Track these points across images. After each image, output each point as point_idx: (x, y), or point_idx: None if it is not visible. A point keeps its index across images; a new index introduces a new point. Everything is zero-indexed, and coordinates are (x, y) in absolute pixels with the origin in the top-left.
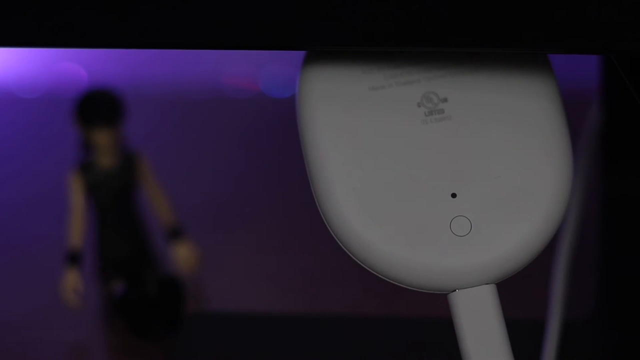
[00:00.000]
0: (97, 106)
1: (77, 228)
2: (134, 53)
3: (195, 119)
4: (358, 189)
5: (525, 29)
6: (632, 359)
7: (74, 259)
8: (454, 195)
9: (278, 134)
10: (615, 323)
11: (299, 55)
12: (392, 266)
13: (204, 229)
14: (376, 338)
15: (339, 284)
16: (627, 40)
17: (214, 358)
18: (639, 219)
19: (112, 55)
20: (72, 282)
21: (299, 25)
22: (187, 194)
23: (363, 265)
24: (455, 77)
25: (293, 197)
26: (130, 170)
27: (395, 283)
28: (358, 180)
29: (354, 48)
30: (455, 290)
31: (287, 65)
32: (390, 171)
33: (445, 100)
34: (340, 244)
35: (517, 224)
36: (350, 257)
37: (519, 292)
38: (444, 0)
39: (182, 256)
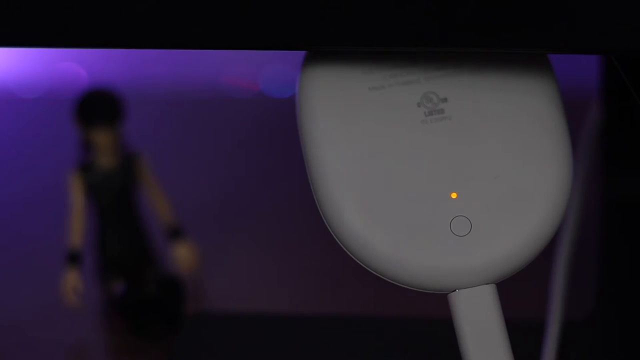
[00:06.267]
0: (97, 106)
1: (77, 228)
2: (134, 53)
3: (195, 119)
4: (358, 189)
5: (525, 29)
6: (632, 359)
7: (74, 259)
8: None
9: (278, 134)
10: (615, 323)
11: (299, 55)
12: (392, 266)
13: (204, 229)
14: (376, 338)
15: (339, 284)
16: (627, 40)
17: (214, 358)
18: (639, 219)
19: (112, 55)
20: (72, 282)
21: (299, 25)
22: (187, 194)
23: (363, 265)
24: (455, 77)
25: (293, 197)
26: (130, 170)
27: (395, 283)
28: (358, 180)
29: (354, 48)
30: (455, 290)
31: (287, 65)
32: (390, 171)
33: (445, 100)
34: (340, 244)
35: (517, 224)
36: (350, 257)
37: (519, 292)
38: (444, 1)
39: (182, 256)
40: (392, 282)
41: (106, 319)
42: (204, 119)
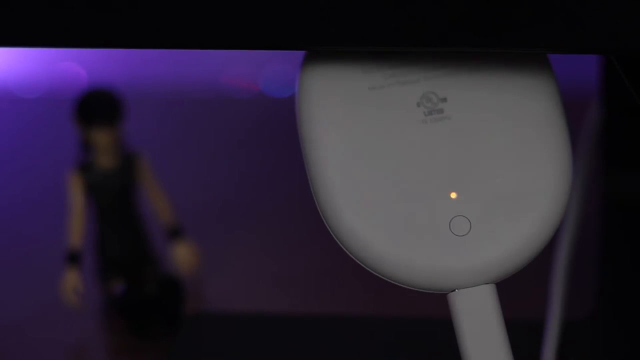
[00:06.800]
0: (97, 106)
1: (77, 228)
2: (134, 53)
3: (195, 119)
4: (357, 189)
5: (525, 29)
6: (632, 359)
7: (74, 259)
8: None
9: (278, 134)
10: (615, 323)
11: (299, 55)
12: (391, 266)
13: (204, 228)
14: (376, 338)
15: (339, 284)
16: (627, 40)
17: (214, 358)
18: (638, 218)
19: (112, 55)
20: (72, 282)
21: (299, 25)
22: (187, 194)
23: (363, 265)
24: (455, 77)
25: (293, 197)
26: (130, 170)
27: (395, 283)
28: (357, 180)
29: (354, 48)
30: (454, 290)
31: (287, 65)
32: (389, 171)
33: (444, 100)
34: (340, 244)
35: (517, 224)
36: (350, 257)
37: (518, 292)
38: (444, 0)
39: (181, 256)
40: (391, 282)
41: (106, 319)
42: (204, 119)
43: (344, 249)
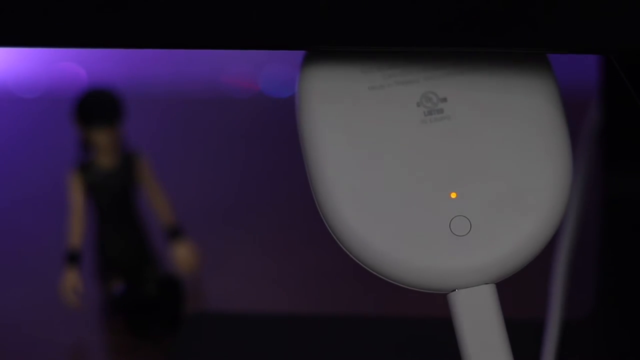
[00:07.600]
0: (97, 106)
1: (76, 228)
2: (134, 53)
3: (195, 119)
4: (357, 189)
5: (525, 29)
6: (632, 359)
7: (73, 258)
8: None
9: (278, 134)
10: (615, 323)
11: (298, 55)
12: (391, 266)
13: (204, 228)
14: (376, 338)
15: (339, 284)
16: (627, 40)
17: (214, 358)
18: (638, 219)
19: (112, 55)
20: (72, 281)
21: (299, 25)
22: (187, 194)
23: (363, 265)
24: (455, 76)
25: (293, 197)
26: (130, 170)
27: (395, 283)
28: (357, 180)
29: (354, 48)
30: (455, 290)
31: (287, 65)
32: (389, 171)
33: (444, 100)
34: (340, 244)
35: (517, 224)
36: (350, 257)
37: (518, 292)
38: (444, 0)
39: (181, 256)
40: (391, 282)
41: (106, 319)
42: (204, 119)
43: (344, 249)
